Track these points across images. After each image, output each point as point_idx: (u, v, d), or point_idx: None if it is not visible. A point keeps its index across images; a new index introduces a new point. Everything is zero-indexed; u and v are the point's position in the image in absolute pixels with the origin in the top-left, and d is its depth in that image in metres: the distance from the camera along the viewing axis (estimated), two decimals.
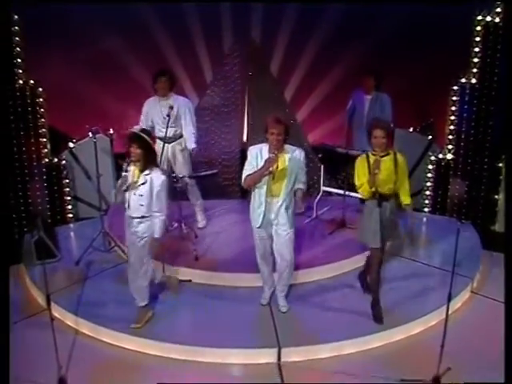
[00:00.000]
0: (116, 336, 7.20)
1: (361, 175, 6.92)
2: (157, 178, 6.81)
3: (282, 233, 7.12)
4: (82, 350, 7.09)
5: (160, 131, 8.53)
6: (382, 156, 6.84)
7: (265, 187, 6.94)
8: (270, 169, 6.75)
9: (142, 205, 6.81)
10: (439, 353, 6.35)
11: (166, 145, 8.50)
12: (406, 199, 7.14)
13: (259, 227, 7.14)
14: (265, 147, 6.90)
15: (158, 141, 8.49)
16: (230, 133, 10.12)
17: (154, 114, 8.56)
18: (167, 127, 8.23)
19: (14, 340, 7.12)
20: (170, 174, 8.41)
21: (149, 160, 6.81)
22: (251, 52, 9.80)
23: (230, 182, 10.26)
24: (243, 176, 7.03)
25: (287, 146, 6.93)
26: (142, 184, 6.78)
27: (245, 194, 9.21)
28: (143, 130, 6.95)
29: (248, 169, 6.97)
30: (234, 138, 10.09)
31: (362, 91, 9.39)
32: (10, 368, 6.14)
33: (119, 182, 6.84)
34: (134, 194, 6.81)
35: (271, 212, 7.04)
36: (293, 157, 6.90)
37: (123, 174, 6.76)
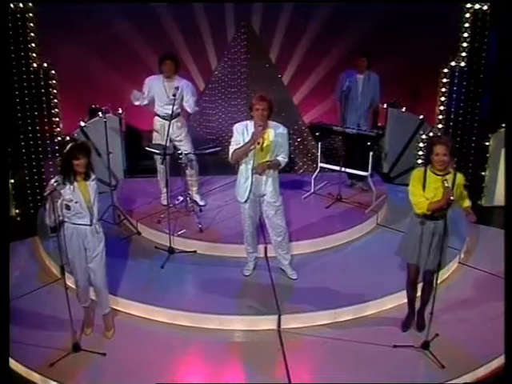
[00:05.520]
0: (125, 303, 7.19)
1: (417, 192, 6.15)
2: (95, 183, 6.27)
3: (272, 204, 7.08)
4: (94, 316, 7.03)
5: (163, 109, 8.46)
6: (444, 174, 6.11)
7: (251, 162, 6.87)
8: (258, 141, 6.71)
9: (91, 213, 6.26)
10: (429, 319, 6.36)
11: (167, 122, 8.30)
12: (464, 203, 6.48)
13: (245, 201, 7.08)
14: (250, 123, 6.82)
15: (157, 118, 8.55)
16: (235, 112, 10.00)
17: (157, 92, 8.42)
18: (173, 105, 8.10)
19: (30, 308, 7.21)
20: (174, 149, 8.42)
21: (91, 167, 6.24)
22: (250, 39, 9.70)
23: None
24: (230, 151, 6.93)
25: (270, 122, 6.84)
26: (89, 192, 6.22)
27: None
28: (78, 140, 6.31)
29: (234, 144, 6.88)
30: (238, 117, 9.92)
31: (354, 71, 9.25)
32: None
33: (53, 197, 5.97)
34: (80, 203, 6.16)
35: (259, 186, 6.98)
36: (277, 132, 6.82)
37: (53, 186, 5.97)
